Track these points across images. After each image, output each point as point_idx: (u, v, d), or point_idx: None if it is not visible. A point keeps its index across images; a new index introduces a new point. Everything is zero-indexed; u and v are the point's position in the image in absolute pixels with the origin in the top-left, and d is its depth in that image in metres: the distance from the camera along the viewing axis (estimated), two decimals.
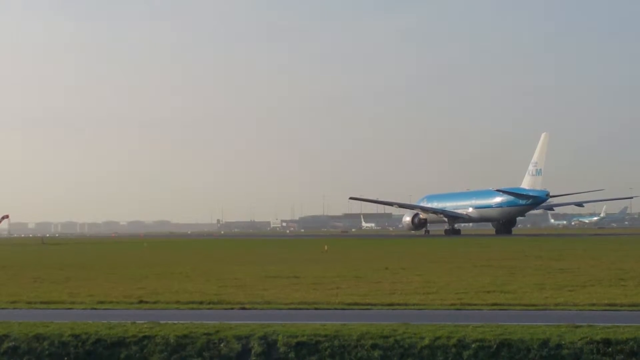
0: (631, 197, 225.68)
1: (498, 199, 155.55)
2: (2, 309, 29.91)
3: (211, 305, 29.86)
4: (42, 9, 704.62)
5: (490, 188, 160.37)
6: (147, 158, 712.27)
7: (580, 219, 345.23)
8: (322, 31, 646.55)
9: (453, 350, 21.40)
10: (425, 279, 39.12)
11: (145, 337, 22.92)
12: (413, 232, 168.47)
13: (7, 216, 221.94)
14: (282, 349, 22.09)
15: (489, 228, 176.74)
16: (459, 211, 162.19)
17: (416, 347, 21.57)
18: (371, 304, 29.33)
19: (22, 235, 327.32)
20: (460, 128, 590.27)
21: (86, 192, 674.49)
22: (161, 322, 24.45)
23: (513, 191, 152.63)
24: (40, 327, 24.07)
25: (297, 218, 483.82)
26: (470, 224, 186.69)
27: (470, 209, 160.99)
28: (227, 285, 37.69)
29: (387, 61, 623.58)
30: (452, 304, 28.91)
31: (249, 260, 62.35)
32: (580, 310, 27.17)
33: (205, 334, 22.82)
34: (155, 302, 30.84)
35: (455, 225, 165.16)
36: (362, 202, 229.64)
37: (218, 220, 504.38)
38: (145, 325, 23.92)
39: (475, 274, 42.29)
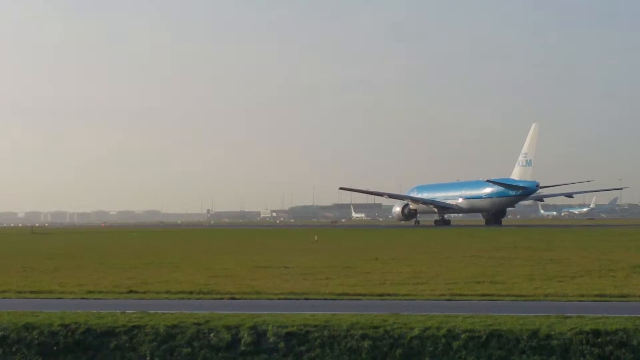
0: (621, 188, 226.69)
1: (488, 190, 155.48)
2: None
3: (201, 295, 29.87)
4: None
5: (480, 179, 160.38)
6: (138, 148, 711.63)
7: (570, 210, 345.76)
8: (315, 21, 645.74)
9: (443, 340, 21.44)
10: (415, 270, 39.16)
11: (134, 326, 22.90)
12: (403, 222, 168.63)
13: None
14: (271, 339, 22.09)
15: (479, 219, 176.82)
16: (449, 202, 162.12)
17: (406, 338, 21.61)
18: (361, 294, 29.37)
19: (12, 225, 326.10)
20: (451, 119, 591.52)
21: (76, 182, 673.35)
22: (151, 312, 24.44)
23: (503, 182, 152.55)
24: (30, 316, 24.03)
25: (287, 208, 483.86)
26: (460, 215, 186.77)
27: (460, 200, 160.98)
28: (216, 275, 37.67)
29: (377, 53, 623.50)
30: (441, 295, 28.97)
31: (238, 250, 62.31)
32: (569, 301, 27.28)
33: (195, 323, 22.82)
34: (144, 292, 30.85)
35: (445, 216, 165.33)
36: (352, 192, 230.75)
37: (208, 210, 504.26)
38: (134, 315, 23.91)
39: (465, 265, 42.37)
